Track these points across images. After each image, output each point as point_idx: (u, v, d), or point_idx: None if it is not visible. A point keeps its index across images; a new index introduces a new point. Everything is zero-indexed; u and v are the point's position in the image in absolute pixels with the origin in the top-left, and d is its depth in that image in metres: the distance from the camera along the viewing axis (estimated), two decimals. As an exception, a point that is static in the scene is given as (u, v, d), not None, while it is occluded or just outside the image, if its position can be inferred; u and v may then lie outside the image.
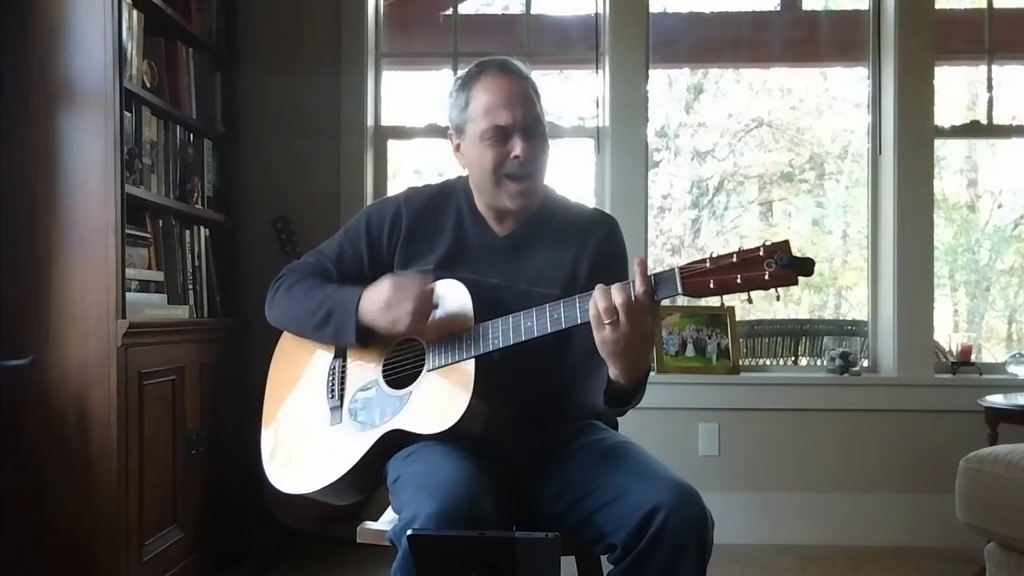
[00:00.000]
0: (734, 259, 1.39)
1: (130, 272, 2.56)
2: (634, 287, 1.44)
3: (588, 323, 1.48)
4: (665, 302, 1.50)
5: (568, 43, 3.91)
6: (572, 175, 4.13)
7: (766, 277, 1.36)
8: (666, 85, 6.01)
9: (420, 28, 4.12)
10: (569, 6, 3.92)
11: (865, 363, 3.77)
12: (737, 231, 6.94)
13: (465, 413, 1.58)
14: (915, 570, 3.19)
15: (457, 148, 1.81)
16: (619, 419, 1.84)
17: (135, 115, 2.70)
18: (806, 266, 1.36)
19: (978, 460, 2.45)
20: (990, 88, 3.80)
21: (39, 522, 2.41)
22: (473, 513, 1.42)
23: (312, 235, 2.93)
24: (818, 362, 4.87)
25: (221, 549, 3.12)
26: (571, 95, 4.50)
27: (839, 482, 3.54)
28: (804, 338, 5.10)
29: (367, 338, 1.72)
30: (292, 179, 3.53)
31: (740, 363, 3.67)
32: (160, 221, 2.87)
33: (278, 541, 3.21)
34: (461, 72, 1.82)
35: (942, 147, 5.07)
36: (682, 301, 2.60)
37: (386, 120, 3.75)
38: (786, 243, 1.37)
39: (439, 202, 1.84)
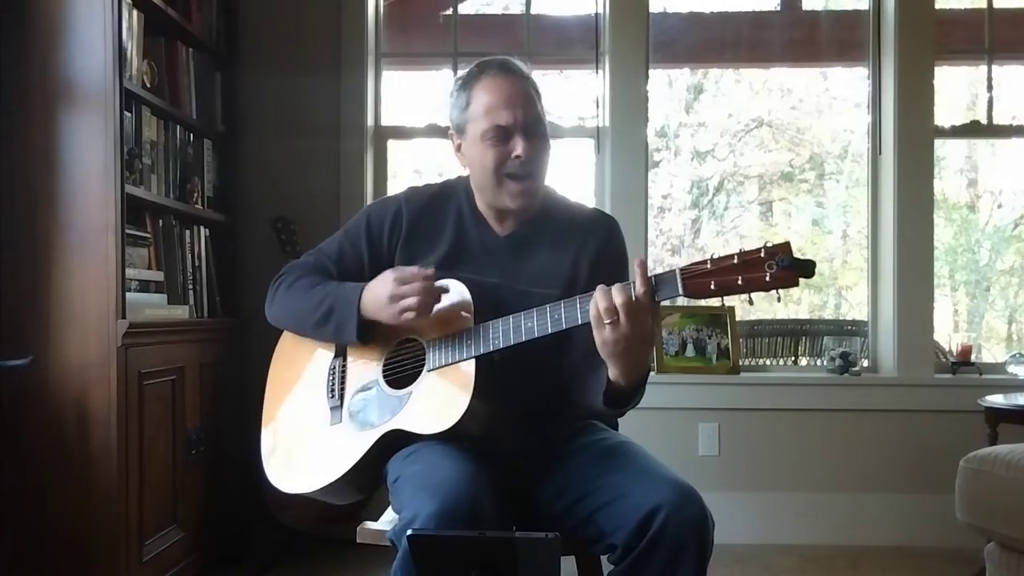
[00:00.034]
0: (735, 260, 1.38)
1: (130, 272, 2.56)
2: (635, 288, 1.44)
3: (588, 323, 1.48)
4: (665, 302, 1.50)
5: (568, 43, 3.90)
6: (572, 175, 4.13)
7: (767, 278, 1.36)
8: (666, 85, 6.01)
9: (420, 28, 4.12)
10: (569, 6, 3.92)
11: (865, 363, 3.77)
12: (737, 231, 6.93)
13: (465, 413, 1.58)
14: (915, 570, 3.19)
15: (458, 148, 1.81)
16: (619, 419, 1.84)
17: (135, 115, 2.70)
18: (807, 268, 1.36)
19: (978, 460, 2.45)
20: (990, 88, 3.80)
21: (39, 522, 2.40)
22: (473, 513, 1.42)
23: (312, 235, 2.92)
24: (818, 362, 4.86)
25: (221, 549, 3.12)
26: (571, 95, 4.50)
27: (839, 482, 3.54)
28: (804, 338, 5.10)
29: (368, 334, 1.72)
30: (292, 179, 3.53)
31: (740, 363, 3.67)
32: (160, 221, 2.87)
33: (278, 541, 3.21)
34: (462, 72, 1.82)
35: (942, 147, 5.07)
36: (682, 301, 2.60)
37: (386, 120, 3.75)
38: (787, 244, 1.37)
39: (440, 202, 1.84)
